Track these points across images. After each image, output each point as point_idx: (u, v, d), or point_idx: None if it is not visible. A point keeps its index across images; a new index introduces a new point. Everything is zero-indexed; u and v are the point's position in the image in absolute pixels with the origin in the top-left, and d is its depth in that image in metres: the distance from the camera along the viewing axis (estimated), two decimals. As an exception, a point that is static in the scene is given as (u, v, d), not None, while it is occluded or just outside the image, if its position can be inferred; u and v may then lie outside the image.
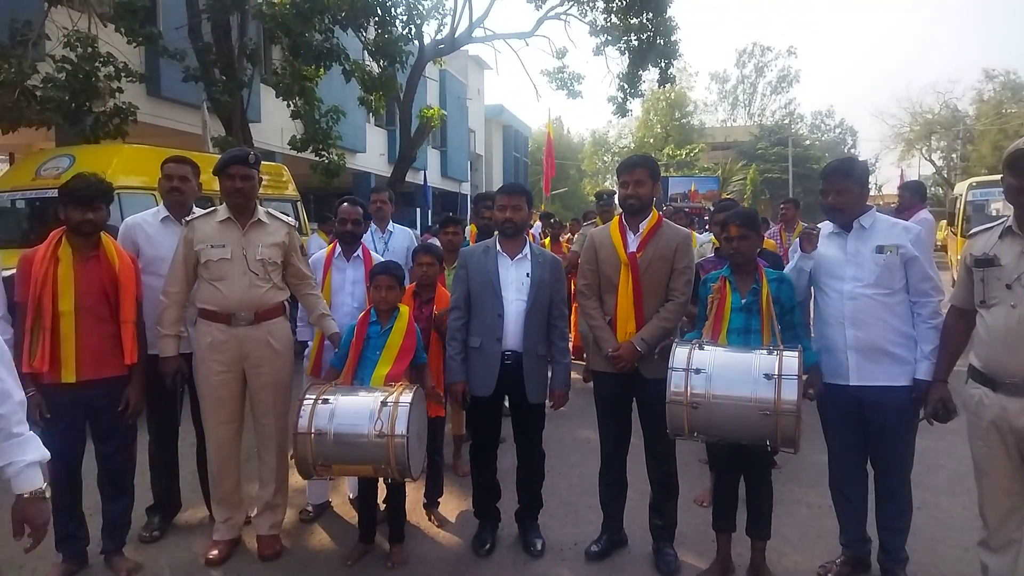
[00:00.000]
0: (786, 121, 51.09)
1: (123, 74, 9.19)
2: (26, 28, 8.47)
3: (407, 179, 17.12)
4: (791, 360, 2.88)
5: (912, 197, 7.26)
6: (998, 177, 2.99)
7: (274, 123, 15.05)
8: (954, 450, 4.69)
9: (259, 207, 3.56)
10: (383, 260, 3.86)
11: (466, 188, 32.75)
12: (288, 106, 11.75)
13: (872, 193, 32.76)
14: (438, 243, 4.87)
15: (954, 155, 41.92)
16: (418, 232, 20.06)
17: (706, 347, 3.04)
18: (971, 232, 2.91)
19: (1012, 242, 2.67)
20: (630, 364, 3.34)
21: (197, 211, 3.65)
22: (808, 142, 48.70)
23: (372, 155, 22.38)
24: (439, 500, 4.10)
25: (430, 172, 24.23)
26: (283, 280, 3.59)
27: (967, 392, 2.84)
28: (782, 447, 2.90)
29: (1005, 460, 2.72)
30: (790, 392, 2.80)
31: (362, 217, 4.14)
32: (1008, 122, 36.32)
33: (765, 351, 2.98)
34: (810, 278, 3.35)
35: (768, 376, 2.85)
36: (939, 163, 42.44)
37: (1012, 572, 2.80)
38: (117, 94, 9.13)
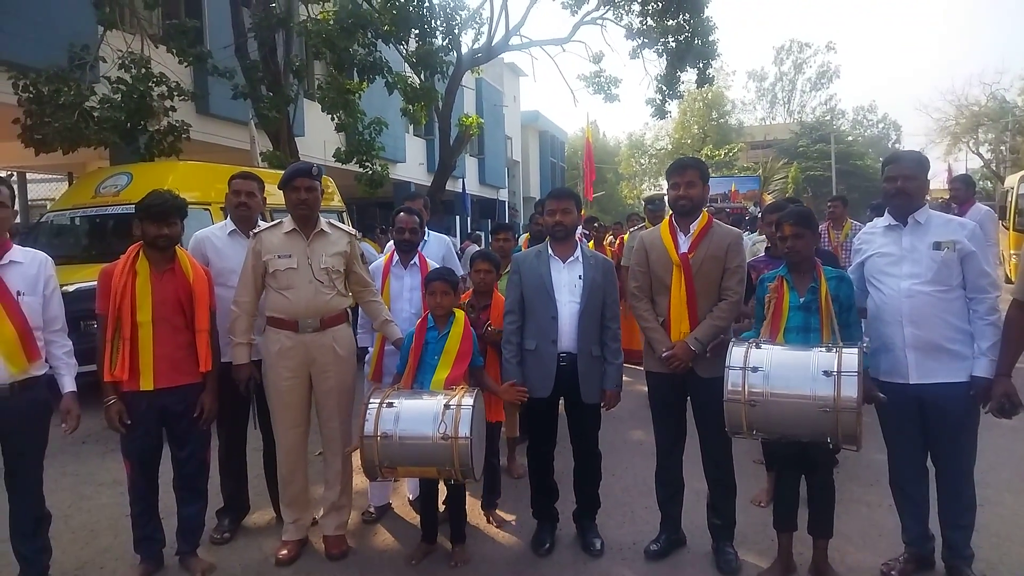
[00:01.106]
0: (827, 117, 50.36)
1: (176, 93, 9.52)
2: (84, 52, 8.86)
3: (446, 187, 17.31)
4: (851, 357, 2.88)
5: (967, 190, 7.19)
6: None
7: (317, 136, 15.38)
8: (1015, 447, 4.62)
9: (321, 218, 3.69)
10: (436, 268, 3.96)
11: (504, 195, 32.92)
12: (332, 119, 12.02)
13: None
14: (476, 250, 4.96)
15: (1003, 147, 40.67)
16: (457, 239, 20.36)
17: (763, 345, 3.07)
18: None
19: None
20: (685, 364, 3.38)
21: (262, 224, 3.80)
22: (851, 138, 47.93)
23: (412, 164, 22.69)
24: (497, 502, 4.18)
25: (468, 180, 24.43)
26: (346, 288, 3.71)
27: None
28: (844, 444, 2.90)
29: None
30: (850, 389, 2.81)
31: (418, 226, 4.25)
32: (1058, 113, 35.23)
33: (823, 348, 2.99)
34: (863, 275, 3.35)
35: (827, 373, 2.86)
36: (987, 156, 41.24)
37: None
38: (171, 113, 9.46)
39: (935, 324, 3.12)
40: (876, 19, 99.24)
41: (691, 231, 3.50)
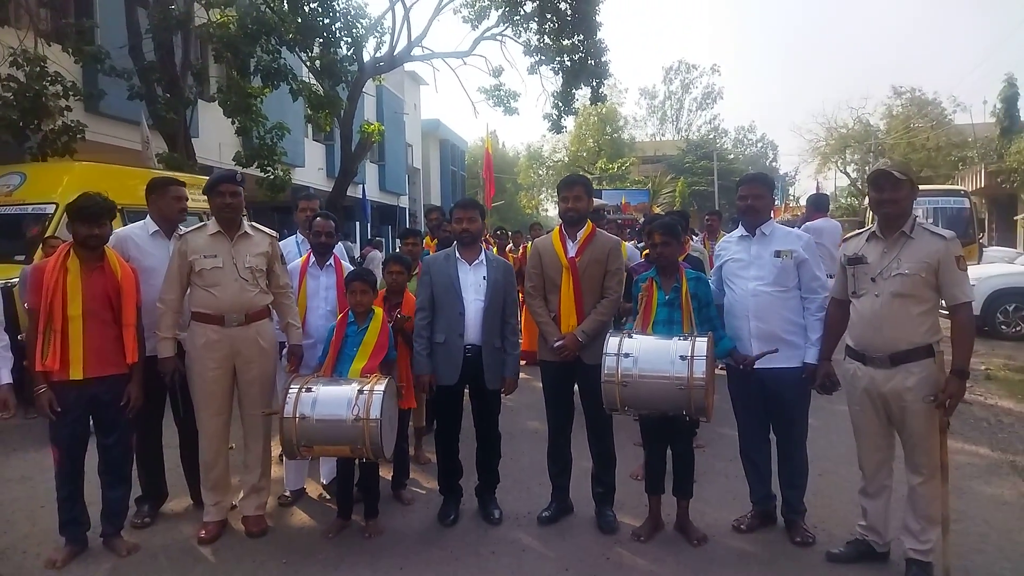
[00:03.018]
0: (711, 136, 53.25)
1: (71, 93, 9.33)
2: (-28, 47, 8.58)
3: (347, 193, 17.43)
4: (702, 344, 3.47)
5: (815, 210, 8.48)
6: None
7: (212, 138, 15.18)
8: (849, 429, 5.41)
9: (244, 221, 3.98)
10: (355, 268, 4.33)
11: (404, 201, 33.04)
12: (232, 123, 12.00)
13: (790, 204, 34.62)
14: (379, 255, 5.35)
15: (867, 167, 44.32)
16: (357, 245, 20.37)
17: (634, 335, 3.63)
18: (845, 237, 3.64)
19: (876, 244, 3.40)
20: (573, 353, 3.91)
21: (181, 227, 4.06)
22: (732, 156, 50.85)
23: (311, 169, 22.54)
24: (405, 482, 4.57)
25: (369, 186, 24.48)
26: (267, 286, 4.01)
27: (844, 367, 3.55)
28: (696, 415, 3.49)
29: (876, 421, 3.44)
30: (700, 369, 3.39)
31: (334, 230, 4.59)
32: (915, 135, 38.61)
33: (682, 338, 3.57)
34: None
35: (683, 357, 3.43)
36: (853, 175, 44.88)
37: (885, 511, 3.51)
38: (66, 112, 9.26)
39: (774, 318, 3.76)
40: (756, 44, 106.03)
41: (578, 238, 4.01)
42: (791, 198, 43.98)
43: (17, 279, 6.18)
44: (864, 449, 3.55)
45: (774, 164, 56.69)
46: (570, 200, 4.03)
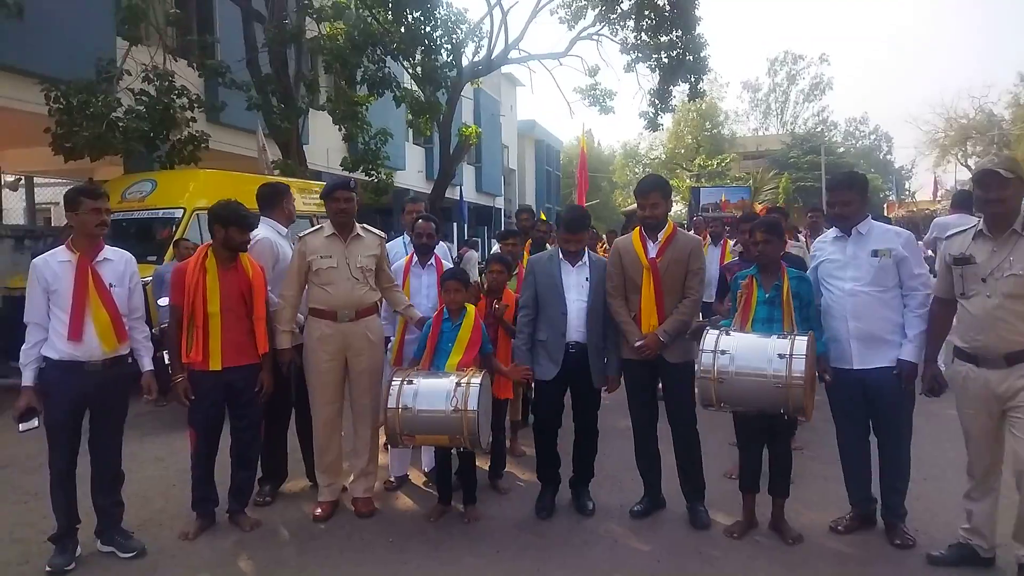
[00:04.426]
0: (819, 129, 51.03)
1: (196, 105, 10.09)
2: (110, 65, 9.42)
3: (445, 194, 17.91)
4: (802, 343, 3.47)
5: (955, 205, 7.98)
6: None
7: (321, 144, 15.99)
8: (959, 434, 5.20)
9: (356, 224, 4.26)
10: (450, 268, 4.56)
11: (500, 203, 33.51)
12: (340, 130, 12.61)
13: (906, 200, 32.78)
14: (475, 255, 5.57)
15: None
16: (455, 246, 20.85)
17: (732, 333, 3.66)
18: (948, 235, 3.53)
19: (983, 243, 3.30)
20: (654, 352, 3.96)
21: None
22: (842, 149, 48.61)
23: (411, 172, 23.26)
24: (502, 473, 4.77)
25: (466, 187, 25.01)
26: (376, 284, 4.29)
27: (954, 369, 3.46)
28: (794, 414, 3.50)
29: (988, 423, 3.33)
30: (799, 367, 3.39)
31: (434, 231, 4.84)
32: (1042, 126, 36.08)
33: (781, 336, 3.56)
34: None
35: (781, 355, 3.44)
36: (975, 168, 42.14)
37: (992, 514, 3.41)
38: (192, 123, 10.03)
39: (873, 319, 3.69)
40: (868, 32, 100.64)
41: (659, 239, 4.05)
42: (907, 193, 41.70)
43: (151, 279, 6.74)
44: (975, 453, 3.45)
45: (888, 157, 53.92)
46: (647, 208, 4.09)
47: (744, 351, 3.54)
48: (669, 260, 4.01)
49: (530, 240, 6.16)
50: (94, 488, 3.73)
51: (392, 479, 4.76)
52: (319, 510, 4.21)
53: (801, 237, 7.96)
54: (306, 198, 10.03)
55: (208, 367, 3.86)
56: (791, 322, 3.69)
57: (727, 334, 3.64)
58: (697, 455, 4.14)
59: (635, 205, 4.75)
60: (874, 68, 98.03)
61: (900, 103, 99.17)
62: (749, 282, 3.84)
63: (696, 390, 3.61)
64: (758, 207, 25.07)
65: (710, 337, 3.63)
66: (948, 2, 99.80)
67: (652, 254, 4.03)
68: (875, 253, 3.71)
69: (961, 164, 42.34)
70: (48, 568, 3.53)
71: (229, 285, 3.91)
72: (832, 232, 3.95)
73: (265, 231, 4.45)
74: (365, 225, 4.35)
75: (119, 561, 3.69)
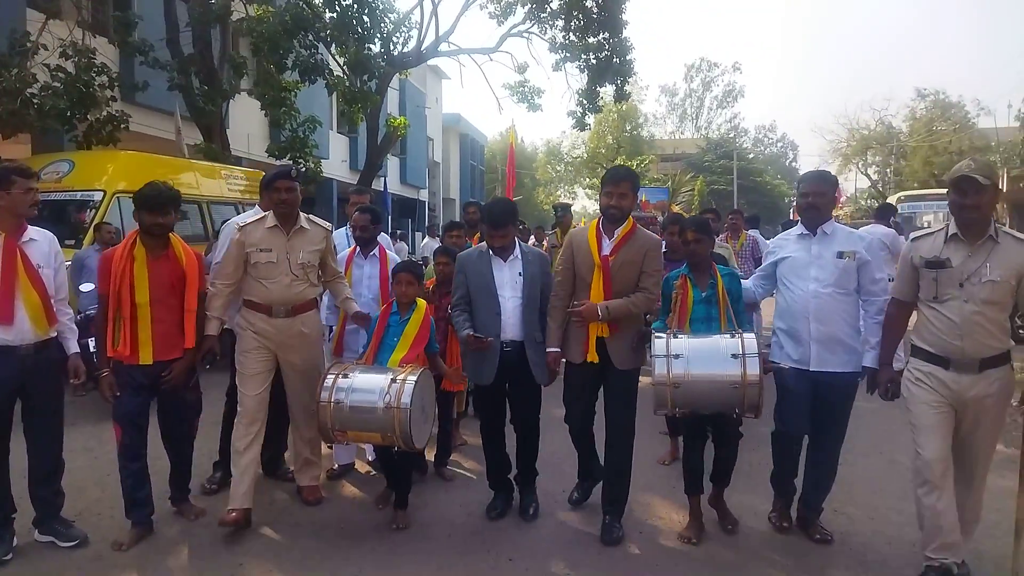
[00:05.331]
0: (731, 135, 52.97)
1: (116, 83, 9.67)
2: (24, 39, 8.92)
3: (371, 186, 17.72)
4: (750, 341, 3.51)
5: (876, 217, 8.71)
6: (924, 192, 3.66)
7: (241, 129, 15.54)
8: (872, 421, 5.61)
9: (301, 215, 4.10)
10: (404, 260, 4.56)
11: (424, 195, 33.35)
12: (265, 115, 12.31)
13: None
14: (405, 247, 5.59)
15: (888, 169, 44.09)
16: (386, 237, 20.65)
17: (679, 336, 3.61)
18: (913, 236, 3.49)
19: (958, 247, 3.22)
20: (584, 319, 3.76)
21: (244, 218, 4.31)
22: (752, 155, 50.61)
23: (335, 162, 22.84)
24: (447, 461, 4.81)
25: (390, 179, 24.74)
26: (318, 277, 4.16)
27: (918, 367, 3.36)
28: (747, 413, 3.54)
29: (949, 424, 3.28)
30: (753, 368, 3.44)
31: (369, 223, 4.78)
32: (938, 139, 38.18)
33: (727, 335, 3.58)
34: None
35: (735, 356, 3.46)
36: (874, 177, 44.60)
37: (949, 507, 3.26)
38: (112, 102, 9.60)
39: (835, 321, 3.66)
40: (778, 43, 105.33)
41: (615, 235, 3.81)
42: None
43: (71, 263, 6.43)
44: (933, 449, 3.27)
45: (794, 164, 56.45)
46: (614, 196, 3.81)
47: (697, 353, 3.52)
48: (623, 260, 3.80)
49: (477, 234, 6.20)
50: (32, 478, 3.58)
51: (335, 467, 4.75)
52: (232, 515, 3.79)
53: (719, 238, 8.34)
54: (235, 184, 9.79)
55: (137, 361, 3.62)
56: (727, 319, 3.72)
57: (675, 336, 3.59)
58: (627, 467, 3.95)
59: (563, 200, 4.77)
60: (783, 79, 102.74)
61: (806, 113, 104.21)
62: (683, 282, 3.80)
63: (653, 397, 3.54)
64: (675, 208, 25.97)
65: (659, 342, 3.57)
66: (853, 16, 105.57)
67: (606, 251, 3.81)
68: (840, 254, 3.70)
69: (862, 173, 44.90)
70: (-15, 557, 3.37)
71: (159, 274, 3.66)
72: (796, 230, 3.91)
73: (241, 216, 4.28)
74: (311, 216, 4.19)
75: (60, 551, 3.58)
